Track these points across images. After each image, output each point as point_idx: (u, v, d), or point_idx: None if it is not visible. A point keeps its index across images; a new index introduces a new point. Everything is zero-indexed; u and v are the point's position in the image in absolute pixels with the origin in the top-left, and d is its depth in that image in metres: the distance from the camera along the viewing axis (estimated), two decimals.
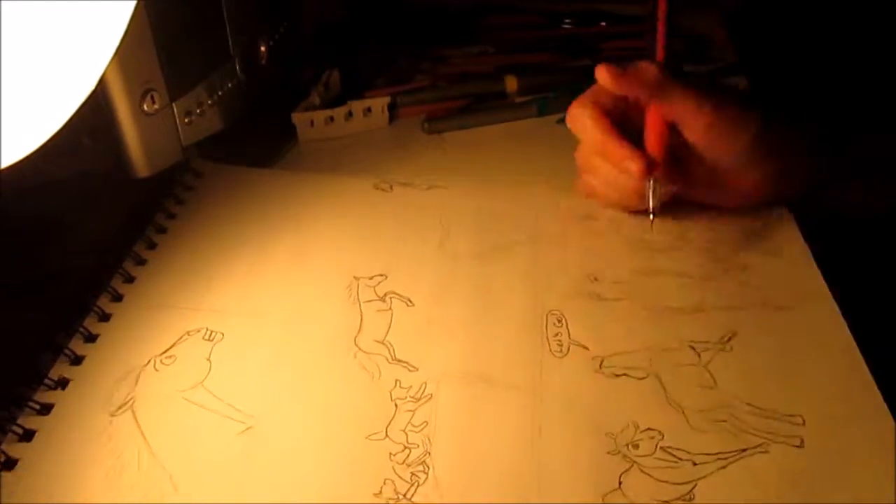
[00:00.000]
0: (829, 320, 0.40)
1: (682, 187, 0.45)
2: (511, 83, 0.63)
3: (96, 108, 0.43)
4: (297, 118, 0.58)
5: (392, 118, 0.61)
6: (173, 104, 0.47)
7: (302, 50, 0.63)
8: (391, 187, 0.51)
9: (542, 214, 0.48)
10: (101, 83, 0.43)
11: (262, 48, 0.56)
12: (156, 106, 0.46)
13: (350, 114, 0.59)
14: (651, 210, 0.44)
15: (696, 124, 0.43)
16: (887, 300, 0.45)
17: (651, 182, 0.43)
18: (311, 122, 0.58)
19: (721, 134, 0.43)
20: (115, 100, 0.44)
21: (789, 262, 0.44)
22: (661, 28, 0.45)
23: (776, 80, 0.63)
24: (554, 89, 0.63)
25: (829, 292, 0.42)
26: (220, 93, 0.52)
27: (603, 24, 0.72)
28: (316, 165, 0.56)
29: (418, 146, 0.58)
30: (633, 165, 0.42)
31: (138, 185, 0.48)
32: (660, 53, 0.46)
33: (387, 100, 0.60)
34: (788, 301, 0.42)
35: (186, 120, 0.49)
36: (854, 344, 0.39)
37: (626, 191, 0.45)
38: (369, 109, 0.60)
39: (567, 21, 0.72)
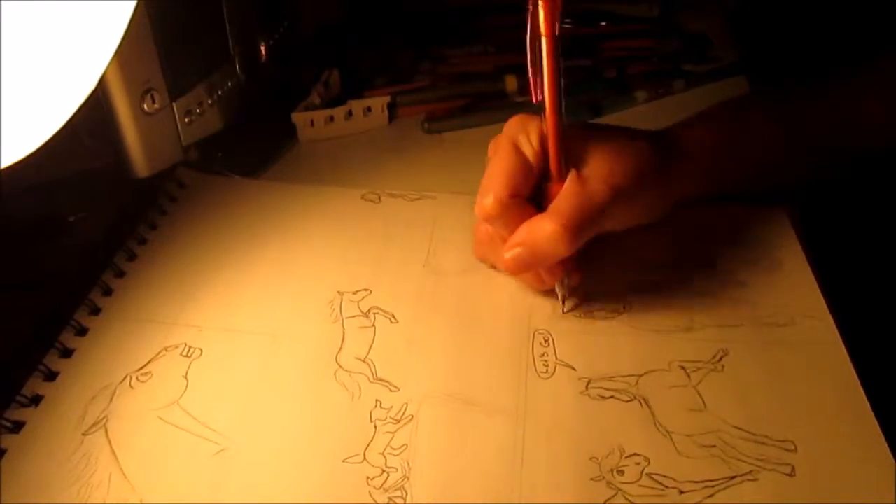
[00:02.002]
0: (826, 340, 0.39)
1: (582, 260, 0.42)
2: (511, 83, 0.63)
3: (96, 108, 0.43)
4: (297, 118, 0.58)
5: (392, 118, 0.61)
6: (173, 104, 0.47)
7: (302, 50, 0.63)
8: (379, 198, 0.51)
9: None
10: (101, 83, 0.43)
11: (262, 48, 0.56)
12: (156, 106, 0.46)
13: (350, 113, 0.59)
14: (563, 302, 0.41)
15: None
16: (886, 316, 0.45)
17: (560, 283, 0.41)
18: (311, 122, 0.58)
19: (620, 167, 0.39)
20: (115, 100, 0.44)
21: (788, 277, 0.43)
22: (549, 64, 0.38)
23: (776, 80, 0.63)
24: None
25: (827, 310, 0.40)
26: (220, 93, 0.52)
27: (603, 24, 0.72)
28: (315, 165, 0.56)
29: (418, 146, 0.58)
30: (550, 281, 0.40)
31: (136, 185, 0.48)
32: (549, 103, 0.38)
33: (387, 99, 0.60)
34: (785, 319, 0.40)
35: (186, 120, 0.49)
36: (851, 367, 0.37)
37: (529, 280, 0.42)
38: (369, 109, 0.60)
39: (567, 21, 0.72)
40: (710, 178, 0.44)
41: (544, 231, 0.37)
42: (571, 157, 0.39)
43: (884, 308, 0.47)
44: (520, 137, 0.40)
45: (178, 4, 0.46)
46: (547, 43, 0.38)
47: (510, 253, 0.39)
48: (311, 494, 0.33)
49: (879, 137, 0.46)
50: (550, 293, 0.42)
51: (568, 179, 0.39)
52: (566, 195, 0.38)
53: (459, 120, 0.60)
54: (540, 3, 0.37)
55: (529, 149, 0.39)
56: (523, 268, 0.39)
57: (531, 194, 0.40)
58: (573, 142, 0.39)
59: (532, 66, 0.38)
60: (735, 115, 0.47)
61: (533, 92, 0.39)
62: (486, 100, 0.63)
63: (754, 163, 0.46)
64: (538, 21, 0.38)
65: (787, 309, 0.41)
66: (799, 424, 0.35)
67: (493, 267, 0.44)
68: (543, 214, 0.38)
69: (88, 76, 0.32)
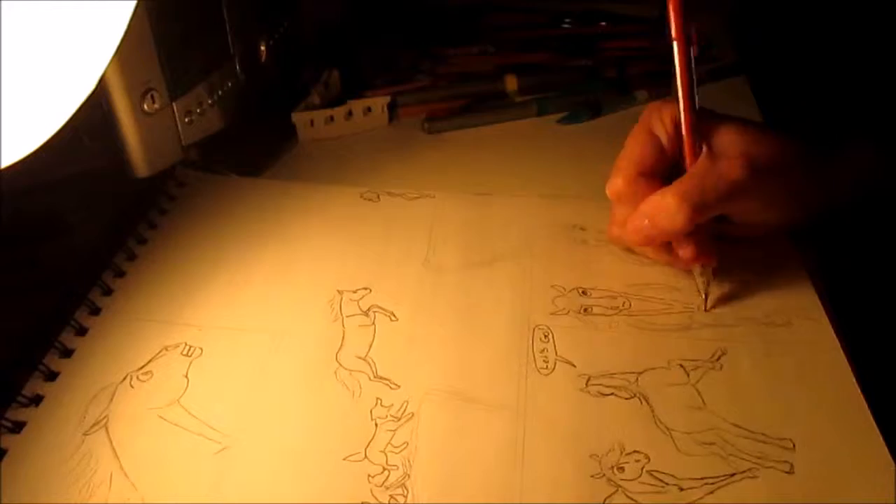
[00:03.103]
0: (822, 340, 0.39)
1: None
2: (511, 83, 0.63)
3: (96, 108, 0.43)
4: (297, 118, 0.58)
5: (392, 118, 0.61)
6: (173, 104, 0.47)
7: (302, 50, 0.63)
8: (378, 197, 0.51)
9: (531, 226, 0.48)
10: (101, 83, 0.43)
11: (262, 48, 0.56)
12: (156, 106, 0.46)
13: (350, 113, 0.59)
14: (705, 296, 0.42)
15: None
16: (882, 315, 0.45)
17: (702, 273, 0.42)
18: (311, 122, 0.58)
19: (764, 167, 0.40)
20: (115, 100, 0.44)
21: (785, 278, 0.43)
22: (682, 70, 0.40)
23: (776, 79, 0.63)
24: (554, 89, 0.63)
25: (823, 311, 0.41)
26: (220, 93, 0.51)
27: (603, 24, 0.72)
28: (315, 165, 0.56)
29: (418, 146, 0.58)
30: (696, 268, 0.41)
31: (136, 185, 0.48)
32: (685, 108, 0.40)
33: (387, 99, 0.60)
34: (782, 319, 0.41)
35: (186, 120, 0.49)
36: (847, 366, 0.38)
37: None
38: (369, 109, 0.60)
39: (567, 21, 0.72)
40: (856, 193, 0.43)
41: (664, 202, 0.38)
42: (708, 138, 0.40)
43: (880, 307, 0.47)
44: (653, 120, 0.41)
45: (178, 4, 0.46)
46: (679, 44, 0.40)
47: (633, 224, 0.40)
48: (313, 493, 0.33)
49: None
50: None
51: (701, 155, 0.40)
52: (694, 169, 0.40)
53: (459, 120, 0.60)
54: (670, 7, 0.40)
55: (662, 131, 0.41)
56: (646, 240, 0.41)
57: (665, 175, 0.41)
58: (712, 124, 0.40)
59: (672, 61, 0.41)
60: None
61: (673, 82, 0.41)
62: (486, 100, 0.63)
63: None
64: (670, 23, 0.40)
65: (785, 310, 0.41)
66: (797, 423, 0.35)
67: (627, 249, 0.45)
68: (666, 188, 0.39)
69: (88, 76, 0.32)
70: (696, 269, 0.42)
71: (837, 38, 0.62)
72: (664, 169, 0.41)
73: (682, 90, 0.40)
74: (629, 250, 0.45)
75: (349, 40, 0.68)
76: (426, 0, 0.74)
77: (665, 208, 0.38)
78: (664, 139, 0.41)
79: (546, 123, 0.61)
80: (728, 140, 0.40)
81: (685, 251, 0.40)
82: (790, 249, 0.45)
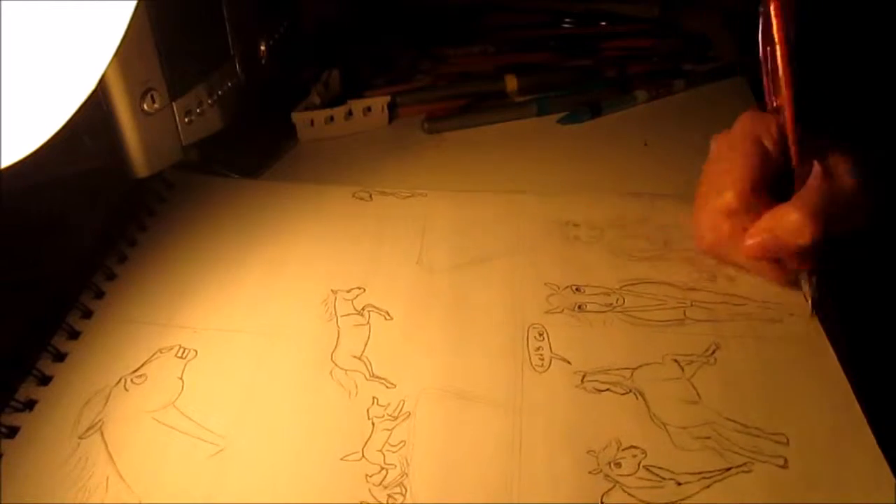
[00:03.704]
0: (812, 337, 0.40)
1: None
2: (511, 83, 0.63)
3: (96, 108, 0.43)
4: (297, 118, 0.58)
5: (392, 118, 0.61)
6: (173, 104, 0.47)
7: (302, 50, 0.63)
8: (370, 196, 0.51)
9: (524, 224, 0.48)
10: (101, 83, 0.43)
11: (262, 48, 0.56)
12: (156, 105, 0.46)
13: (350, 113, 0.59)
14: (812, 303, 0.42)
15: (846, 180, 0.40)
16: (873, 316, 0.45)
17: (807, 278, 0.42)
18: (311, 122, 0.58)
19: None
20: (115, 100, 0.44)
21: None
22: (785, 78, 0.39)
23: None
24: (554, 89, 0.63)
25: (812, 307, 0.41)
26: (220, 92, 0.51)
27: (603, 24, 0.72)
28: (315, 165, 0.56)
29: (418, 146, 0.58)
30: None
31: (127, 186, 0.48)
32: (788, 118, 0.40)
33: (387, 99, 0.60)
34: (773, 314, 0.41)
35: (186, 119, 0.49)
36: (837, 362, 0.38)
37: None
38: (369, 109, 0.60)
39: (567, 21, 0.72)
40: None
41: (790, 219, 0.38)
42: (812, 153, 0.40)
43: (875, 304, 0.47)
44: (760, 132, 0.41)
45: (178, 4, 0.46)
46: (781, 49, 0.39)
47: (754, 239, 0.40)
48: (311, 493, 0.33)
49: None
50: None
51: (814, 171, 0.40)
52: (813, 185, 0.39)
53: (459, 120, 0.60)
54: (772, 10, 0.39)
55: (770, 143, 0.41)
56: (766, 254, 0.40)
57: (771, 187, 0.41)
58: (811, 139, 0.40)
59: (766, 73, 0.41)
60: None
61: (767, 95, 0.41)
62: (486, 100, 0.63)
63: None
64: (771, 28, 0.39)
65: (776, 306, 0.42)
66: (790, 417, 0.36)
67: (723, 260, 0.44)
68: (789, 203, 0.39)
69: (88, 76, 0.32)
70: (803, 277, 0.42)
71: (838, 38, 0.62)
72: (771, 181, 0.41)
73: (788, 99, 0.40)
74: (722, 260, 0.44)
75: (349, 40, 0.68)
76: (426, 0, 0.74)
77: (790, 224, 0.38)
78: (773, 153, 0.41)
79: (546, 123, 0.61)
80: (837, 155, 0.40)
81: (799, 264, 0.41)
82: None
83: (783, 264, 0.41)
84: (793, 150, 0.40)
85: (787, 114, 0.40)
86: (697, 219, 0.44)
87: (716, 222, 0.43)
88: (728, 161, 0.41)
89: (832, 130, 0.43)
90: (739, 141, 0.41)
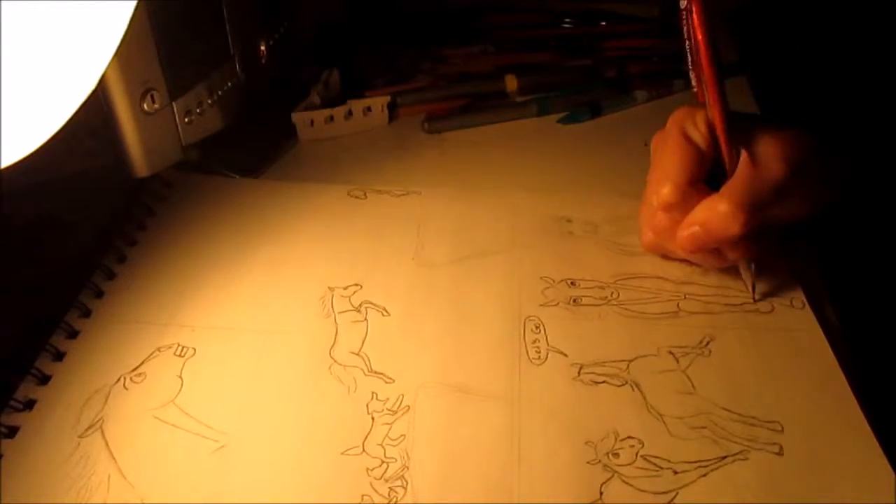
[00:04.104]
0: (805, 327, 0.41)
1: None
2: (511, 83, 0.63)
3: (96, 108, 0.43)
4: (297, 118, 0.58)
5: (392, 118, 0.61)
6: (173, 104, 0.47)
7: (302, 50, 0.63)
8: (365, 195, 0.51)
9: (518, 220, 0.48)
10: (101, 83, 0.43)
11: (262, 48, 0.56)
12: (156, 105, 0.46)
13: (350, 113, 0.59)
14: (752, 289, 0.42)
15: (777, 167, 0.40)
16: (866, 302, 0.45)
17: (746, 266, 0.42)
18: (311, 122, 0.58)
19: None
20: (115, 100, 0.44)
21: (768, 266, 0.43)
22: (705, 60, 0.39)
23: (776, 80, 0.63)
24: (554, 89, 0.63)
25: (805, 299, 0.42)
26: (220, 92, 0.51)
27: (603, 24, 0.72)
28: (315, 165, 0.56)
29: (418, 146, 0.58)
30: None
31: (126, 186, 0.48)
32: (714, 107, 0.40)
33: (387, 99, 0.60)
34: (766, 306, 0.42)
35: (186, 119, 0.49)
36: (830, 351, 0.39)
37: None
38: (369, 109, 0.60)
39: (567, 21, 0.72)
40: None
41: (719, 210, 0.39)
42: (740, 142, 0.40)
43: (867, 291, 0.47)
44: (687, 126, 0.41)
45: (178, 4, 0.46)
46: (703, 48, 0.39)
47: (687, 231, 0.40)
48: (313, 488, 0.33)
49: None
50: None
51: (741, 161, 0.40)
52: (740, 175, 0.40)
53: (459, 120, 0.60)
54: (693, 12, 0.39)
55: (699, 136, 0.41)
56: (700, 246, 0.41)
57: (705, 179, 0.41)
58: (744, 126, 0.41)
59: (692, 68, 0.41)
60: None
61: (697, 88, 0.41)
62: (486, 100, 0.63)
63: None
64: (692, 28, 0.39)
65: (768, 297, 0.42)
66: (785, 406, 0.36)
67: (665, 255, 0.45)
68: (718, 194, 0.39)
69: (88, 76, 0.32)
70: (742, 265, 0.42)
71: (837, 38, 0.62)
72: (704, 173, 0.41)
73: (715, 94, 0.40)
74: (665, 256, 0.45)
75: (349, 40, 0.68)
76: (426, 0, 0.74)
77: (719, 216, 0.39)
78: (703, 145, 0.41)
79: (546, 123, 0.61)
80: (764, 142, 0.40)
81: (736, 253, 0.41)
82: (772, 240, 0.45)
83: (722, 253, 0.42)
84: (721, 139, 0.40)
85: (713, 104, 0.40)
86: (640, 217, 0.45)
87: (654, 218, 0.43)
88: (662, 157, 0.42)
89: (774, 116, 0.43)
90: (671, 136, 0.41)
